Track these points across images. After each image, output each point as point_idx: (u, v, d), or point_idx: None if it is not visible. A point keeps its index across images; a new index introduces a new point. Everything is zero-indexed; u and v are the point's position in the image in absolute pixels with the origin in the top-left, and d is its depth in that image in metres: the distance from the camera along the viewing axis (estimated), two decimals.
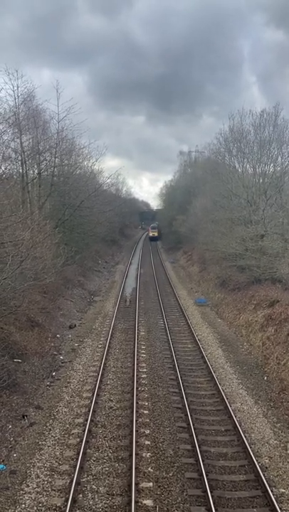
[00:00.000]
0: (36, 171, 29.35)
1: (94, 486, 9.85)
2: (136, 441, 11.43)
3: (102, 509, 9.15)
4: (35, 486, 9.83)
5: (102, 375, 15.92)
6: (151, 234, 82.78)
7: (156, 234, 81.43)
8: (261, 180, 28.89)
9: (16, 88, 26.18)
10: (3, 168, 24.89)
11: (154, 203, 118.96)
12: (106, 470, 10.48)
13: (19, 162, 27.60)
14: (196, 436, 11.79)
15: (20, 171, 27.83)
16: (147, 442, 11.67)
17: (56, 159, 29.83)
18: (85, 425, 12.26)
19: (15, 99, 26.36)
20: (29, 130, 27.68)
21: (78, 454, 10.82)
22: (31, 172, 29.32)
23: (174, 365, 17.08)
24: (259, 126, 28.39)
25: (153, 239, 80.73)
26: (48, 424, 12.58)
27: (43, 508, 9.12)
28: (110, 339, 20.20)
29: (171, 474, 10.39)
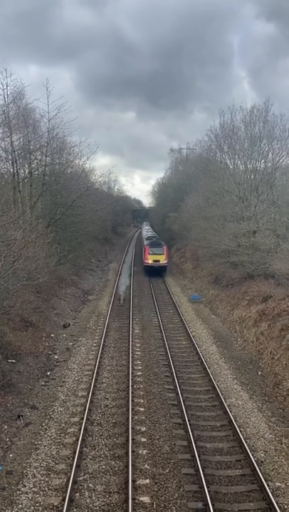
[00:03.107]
0: (27, 170, 29.20)
1: (91, 485, 9.86)
2: (132, 439, 11.47)
3: (100, 507, 9.17)
4: (31, 485, 9.82)
5: (97, 373, 15.92)
6: (150, 260, 37.30)
7: (162, 260, 37.28)
8: (252, 177, 28.99)
9: (5, 87, 26.02)
10: None
11: (147, 201, 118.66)
12: (103, 468, 10.50)
13: (10, 161, 27.44)
14: (192, 432, 11.85)
15: (11, 170, 27.65)
16: (143, 439, 11.70)
17: (47, 158, 29.72)
18: (80, 424, 12.27)
19: (4, 98, 26.20)
20: (19, 129, 27.51)
21: (74, 452, 10.83)
22: (22, 171, 29.18)
23: (169, 362, 17.13)
24: (249, 122, 28.47)
25: (154, 271, 37.21)
26: (43, 424, 12.57)
27: (40, 508, 9.11)
28: (105, 338, 20.19)
29: (167, 470, 10.43)
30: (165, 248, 37.95)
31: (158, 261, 37.06)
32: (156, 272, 36.98)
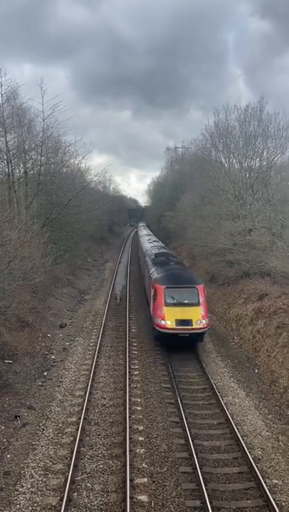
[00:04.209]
0: (22, 170, 29.11)
1: (89, 484, 9.86)
2: (130, 438, 11.47)
3: (98, 506, 9.17)
4: (29, 486, 9.80)
5: (94, 373, 15.91)
6: (170, 321, 16.86)
7: (198, 316, 16.97)
8: (248, 175, 29.07)
9: None
10: None
11: (142, 200, 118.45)
12: (100, 467, 10.50)
13: (4, 161, 27.35)
14: (189, 431, 11.87)
15: (6, 170, 27.57)
16: (141, 438, 11.72)
17: (42, 158, 29.60)
18: (78, 424, 12.26)
19: None
20: (14, 129, 27.41)
21: (72, 452, 10.82)
22: (17, 171, 29.08)
23: (166, 361, 17.13)
24: (244, 121, 28.55)
25: (180, 342, 17.26)
26: (41, 424, 12.54)
27: (38, 508, 9.10)
28: (101, 337, 20.17)
29: (165, 469, 10.45)
30: (201, 288, 17.96)
31: (188, 322, 16.98)
32: (183, 342, 17.41)
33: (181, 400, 13.69)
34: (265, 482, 9.78)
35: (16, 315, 18.49)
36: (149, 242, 34.77)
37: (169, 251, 29.66)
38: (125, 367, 16.41)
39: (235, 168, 30.44)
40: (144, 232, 49.07)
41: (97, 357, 17.57)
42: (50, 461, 10.76)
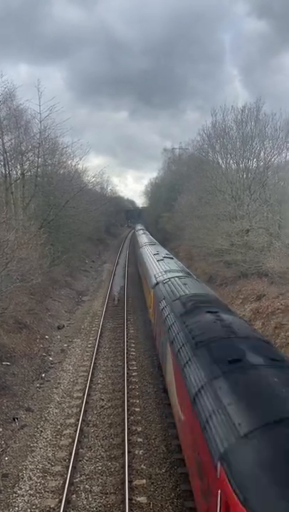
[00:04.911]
0: (20, 172, 29.10)
1: (87, 486, 9.82)
2: (128, 439, 11.43)
3: (96, 508, 9.14)
4: (28, 488, 9.77)
5: (92, 374, 15.87)
6: None
7: None
8: (245, 176, 29.16)
9: None
10: None
11: (140, 201, 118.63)
12: (99, 469, 10.46)
13: (1, 163, 27.39)
14: None
15: (3, 171, 27.60)
16: (139, 440, 11.68)
17: (39, 159, 29.64)
18: (76, 425, 12.22)
19: None
20: (11, 130, 27.44)
21: (71, 454, 10.78)
22: (14, 173, 29.08)
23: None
24: (241, 121, 28.66)
25: None
26: (39, 426, 12.50)
27: (37, 510, 9.07)
28: (100, 338, 20.14)
29: (164, 470, 10.42)
30: None
31: None
32: None
33: None
34: None
35: (14, 317, 18.46)
36: (158, 261, 21.44)
37: (209, 290, 15.89)
38: (123, 368, 16.37)
39: (232, 169, 30.54)
40: (144, 239, 35.82)
41: (96, 358, 17.54)
42: (48, 463, 10.72)
